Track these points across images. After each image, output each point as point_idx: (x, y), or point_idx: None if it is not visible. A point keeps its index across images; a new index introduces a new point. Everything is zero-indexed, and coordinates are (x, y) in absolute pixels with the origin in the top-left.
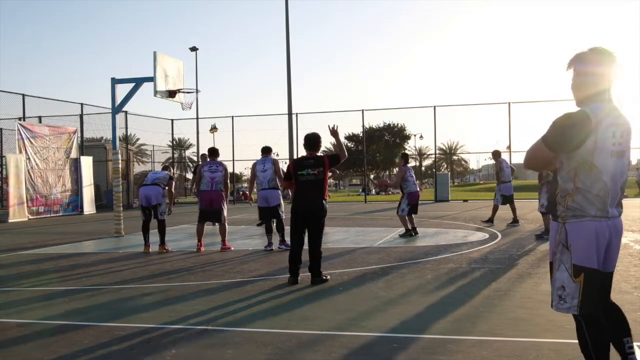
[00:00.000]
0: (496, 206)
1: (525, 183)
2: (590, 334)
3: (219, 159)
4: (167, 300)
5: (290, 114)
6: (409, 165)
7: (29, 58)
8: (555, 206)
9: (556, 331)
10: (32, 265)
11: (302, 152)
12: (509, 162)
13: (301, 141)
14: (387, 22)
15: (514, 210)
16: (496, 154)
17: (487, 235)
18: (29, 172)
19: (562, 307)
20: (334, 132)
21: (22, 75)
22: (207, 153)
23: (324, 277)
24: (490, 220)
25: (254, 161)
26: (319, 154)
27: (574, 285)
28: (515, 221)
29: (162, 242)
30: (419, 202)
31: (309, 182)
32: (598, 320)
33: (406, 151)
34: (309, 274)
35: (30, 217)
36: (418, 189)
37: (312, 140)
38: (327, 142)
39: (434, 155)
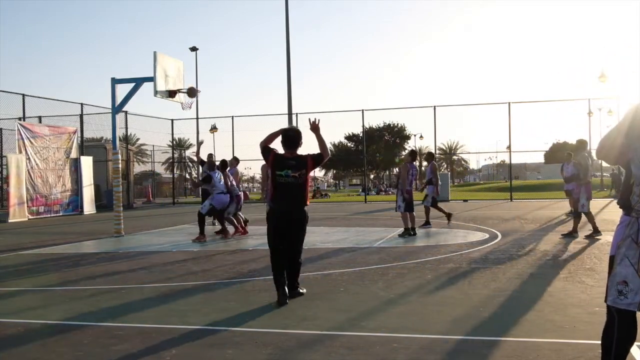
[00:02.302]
0: (436, 206)
1: (526, 183)
2: (620, 332)
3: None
4: (167, 300)
5: (290, 114)
6: (415, 163)
7: (29, 58)
8: (627, 199)
9: (556, 331)
10: (32, 265)
11: (302, 153)
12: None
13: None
14: (387, 22)
15: (429, 212)
16: (431, 156)
17: (487, 235)
18: (29, 172)
19: (621, 303)
20: (314, 127)
21: (22, 75)
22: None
23: (301, 291)
24: (449, 217)
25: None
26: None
27: (639, 281)
28: (427, 223)
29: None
30: (416, 202)
31: (288, 184)
32: (634, 321)
33: (406, 151)
34: (309, 274)
35: (31, 217)
36: (411, 188)
37: (294, 138)
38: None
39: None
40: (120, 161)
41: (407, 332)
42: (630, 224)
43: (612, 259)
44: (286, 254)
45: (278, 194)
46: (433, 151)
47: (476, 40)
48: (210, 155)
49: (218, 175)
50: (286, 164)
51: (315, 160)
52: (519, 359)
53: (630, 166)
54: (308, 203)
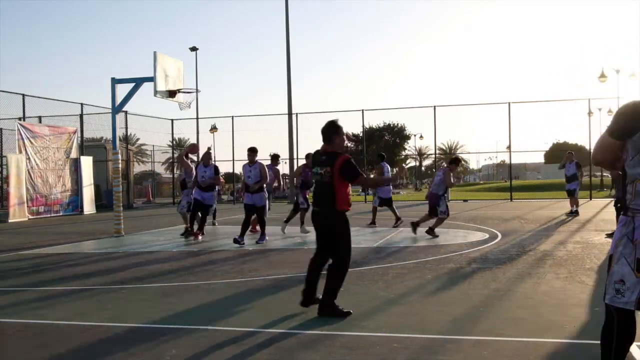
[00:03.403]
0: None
1: (526, 183)
2: (619, 331)
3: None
4: (167, 300)
5: (290, 114)
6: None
7: (29, 58)
8: (623, 198)
9: (556, 331)
10: (32, 265)
11: (302, 153)
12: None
13: (301, 141)
14: (387, 22)
15: (394, 211)
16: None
17: (487, 235)
18: (29, 172)
19: (618, 301)
20: (401, 169)
21: (22, 75)
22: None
23: (338, 310)
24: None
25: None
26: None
27: (635, 280)
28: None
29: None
30: (425, 202)
31: (317, 182)
32: (633, 320)
33: (406, 151)
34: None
35: (31, 217)
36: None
37: (324, 131)
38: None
39: (434, 155)
40: (120, 161)
41: (407, 332)
42: (626, 223)
43: (611, 258)
44: (317, 260)
45: (314, 193)
46: (433, 150)
47: (476, 40)
48: (208, 149)
49: (202, 169)
50: (318, 160)
51: (344, 169)
52: (519, 359)
53: (624, 166)
54: (340, 206)
